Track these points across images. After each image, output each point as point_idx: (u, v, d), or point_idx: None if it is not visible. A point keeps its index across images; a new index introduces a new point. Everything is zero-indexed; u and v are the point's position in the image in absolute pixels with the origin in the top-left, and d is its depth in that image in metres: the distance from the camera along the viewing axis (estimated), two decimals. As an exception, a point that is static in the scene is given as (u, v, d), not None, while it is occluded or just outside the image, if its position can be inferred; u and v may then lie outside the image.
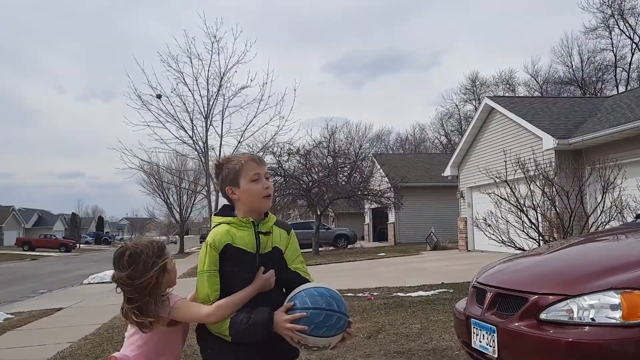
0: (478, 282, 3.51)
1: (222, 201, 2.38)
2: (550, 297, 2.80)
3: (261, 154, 13.62)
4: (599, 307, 2.61)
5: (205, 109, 9.31)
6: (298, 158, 24.09)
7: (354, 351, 5.17)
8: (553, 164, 11.50)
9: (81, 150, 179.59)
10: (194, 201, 40.49)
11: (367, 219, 36.35)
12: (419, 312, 7.04)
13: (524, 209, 8.96)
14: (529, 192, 9.01)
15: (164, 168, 30.07)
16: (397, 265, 15.80)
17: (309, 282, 2.20)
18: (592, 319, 2.62)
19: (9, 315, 9.27)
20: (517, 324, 2.89)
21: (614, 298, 2.58)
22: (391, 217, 29.77)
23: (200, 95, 9.29)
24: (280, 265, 2.20)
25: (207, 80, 9.31)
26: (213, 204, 9.73)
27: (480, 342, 3.19)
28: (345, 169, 25.54)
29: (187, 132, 9.30)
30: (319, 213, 24.66)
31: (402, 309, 7.40)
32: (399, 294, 9.15)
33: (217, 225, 2.17)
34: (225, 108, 9.44)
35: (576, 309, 2.68)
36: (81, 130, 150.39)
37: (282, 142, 17.95)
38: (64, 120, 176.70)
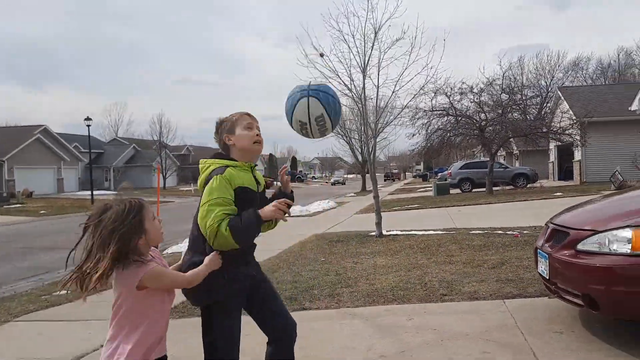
0: (548, 222, 4.19)
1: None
2: (585, 232, 3.45)
3: (417, 98, 14.19)
4: (617, 240, 3.23)
5: (363, 63, 10.35)
6: (471, 97, 23.94)
7: (471, 277, 6.06)
8: None
9: (279, 94, 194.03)
10: (374, 142, 42.42)
11: (552, 157, 34.48)
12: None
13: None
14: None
15: (345, 115, 32.18)
16: (567, 205, 15.45)
17: None
18: (613, 249, 3.25)
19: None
20: (562, 253, 3.59)
21: (628, 233, 3.17)
22: (577, 155, 28.01)
23: (358, 51, 10.33)
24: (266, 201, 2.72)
25: (364, 36, 10.28)
26: (371, 149, 10.94)
27: (540, 267, 3.93)
28: (520, 106, 24.53)
29: (346, 86, 10.46)
30: (492, 152, 24.41)
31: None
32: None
33: (222, 167, 2.52)
34: (381, 61, 10.34)
35: (603, 241, 3.32)
36: (279, 75, 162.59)
37: (454, 81, 18.26)
38: (266, 66, 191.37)
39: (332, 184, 69.99)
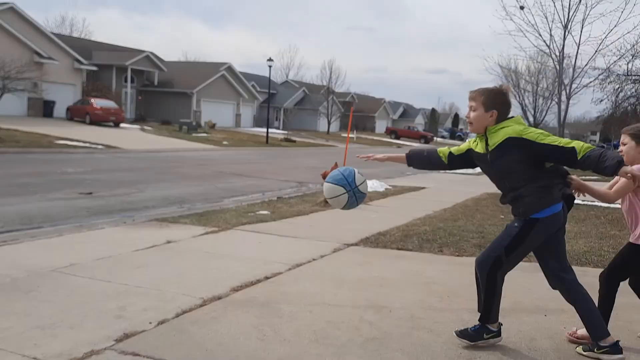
0: None
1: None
2: None
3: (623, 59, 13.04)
4: None
5: (565, 18, 9.78)
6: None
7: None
8: None
9: (446, 46, 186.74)
10: (549, 104, 39.60)
11: None
12: None
13: None
14: None
15: (521, 74, 30.32)
16: None
17: None
18: None
19: (388, 187, 12.31)
20: None
21: None
22: None
23: (562, 4, 9.76)
24: None
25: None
26: (562, 113, 10.43)
27: None
28: None
29: (544, 42, 10.01)
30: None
31: None
32: None
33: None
34: (586, 17, 9.68)
35: None
36: (448, 25, 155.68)
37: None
38: (433, 15, 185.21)
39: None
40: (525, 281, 4.60)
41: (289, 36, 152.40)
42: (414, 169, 3.68)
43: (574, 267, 5.13)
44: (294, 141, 36.46)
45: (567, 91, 10.10)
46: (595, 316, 3.16)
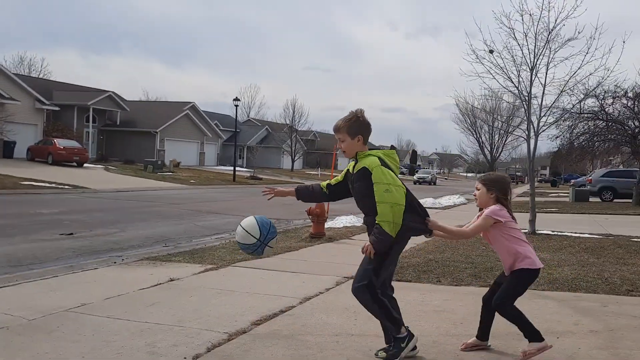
0: None
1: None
2: None
3: (581, 100, 13.98)
4: None
5: (532, 61, 10.45)
6: (625, 101, 22.52)
7: None
8: None
9: (401, 86, 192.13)
10: (505, 141, 41.21)
11: None
12: None
13: None
14: None
15: (478, 112, 31.64)
16: None
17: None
18: None
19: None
20: None
21: None
22: None
23: (529, 49, 10.43)
24: None
25: (536, 35, 10.34)
26: (532, 148, 11.02)
27: None
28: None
29: (513, 83, 10.63)
30: (645, 161, 22.86)
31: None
32: None
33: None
34: (550, 60, 10.36)
35: None
36: (404, 67, 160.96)
37: (608, 84, 17.43)
38: (387, 57, 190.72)
39: (414, 182, 52.60)
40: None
41: (249, 75, 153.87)
42: (302, 202, 4.03)
43: (564, 293, 5.46)
44: (261, 178, 36.57)
45: (535, 129, 10.68)
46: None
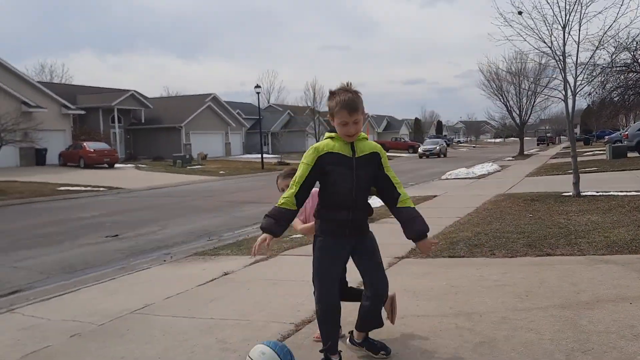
0: None
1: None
2: None
3: (613, 54, 13.51)
4: None
5: (563, 19, 10.10)
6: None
7: None
8: None
9: (419, 57, 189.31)
10: (533, 103, 40.30)
11: None
12: None
13: None
14: None
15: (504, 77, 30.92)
16: None
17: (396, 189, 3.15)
18: None
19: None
20: None
21: None
22: None
23: (559, 7, 10.08)
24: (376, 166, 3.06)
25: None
26: (570, 108, 10.71)
27: None
28: None
29: (545, 43, 10.30)
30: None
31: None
32: None
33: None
34: (583, 16, 10.01)
35: None
36: (421, 37, 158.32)
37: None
38: (404, 29, 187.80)
39: (419, 156, 46.92)
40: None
41: (265, 61, 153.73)
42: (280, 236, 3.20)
43: (626, 256, 5.31)
44: (289, 164, 36.56)
45: (572, 88, 10.37)
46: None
